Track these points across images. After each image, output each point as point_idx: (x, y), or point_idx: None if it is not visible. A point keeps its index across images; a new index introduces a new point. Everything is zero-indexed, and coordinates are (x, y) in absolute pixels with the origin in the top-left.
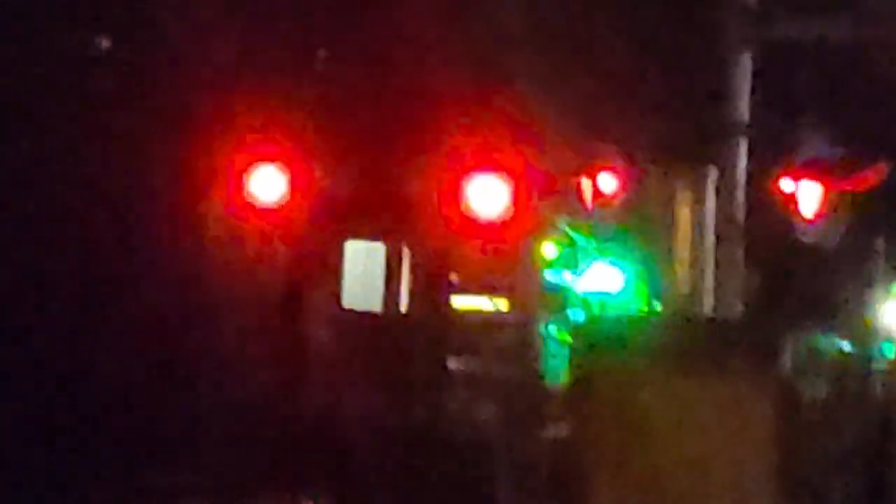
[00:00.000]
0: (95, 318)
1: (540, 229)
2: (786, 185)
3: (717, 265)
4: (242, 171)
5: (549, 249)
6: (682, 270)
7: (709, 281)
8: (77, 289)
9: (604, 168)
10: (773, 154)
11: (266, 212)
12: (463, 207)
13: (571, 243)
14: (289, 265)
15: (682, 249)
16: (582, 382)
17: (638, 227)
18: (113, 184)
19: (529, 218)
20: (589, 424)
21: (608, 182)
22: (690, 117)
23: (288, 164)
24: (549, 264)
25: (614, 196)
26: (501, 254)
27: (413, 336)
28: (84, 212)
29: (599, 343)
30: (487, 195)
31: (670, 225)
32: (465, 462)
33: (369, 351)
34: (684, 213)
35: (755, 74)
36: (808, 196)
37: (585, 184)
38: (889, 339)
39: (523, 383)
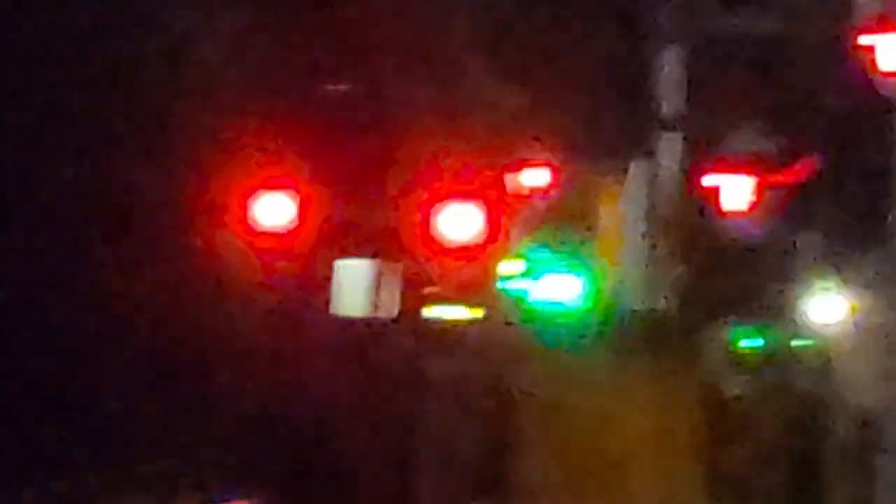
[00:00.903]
0: (111, 321)
1: (506, 247)
2: (715, 178)
3: (642, 259)
4: (250, 198)
5: (512, 263)
6: (607, 264)
7: (634, 275)
8: (91, 299)
9: (533, 163)
10: (702, 148)
11: (274, 236)
12: (439, 232)
13: (530, 256)
14: (290, 279)
15: (608, 243)
16: (509, 378)
17: (565, 222)
18: (137, 205)
19: (499, 240)
20: (514, 419)
21: (538, 177)
22: (617, 111)
23: (296, 191)
24: (513, 276)
25: (545, 191)
26: (473, 269)
27: (395, 339)
28: (102, 230)
29: (525, 339)
30: (462, 221)
31: (596, 219)
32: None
33: (357, 351)
34: (610, 208)
35: (684, 68)
36: (739, 190)
37: (510, 178)
38: (813, 334)
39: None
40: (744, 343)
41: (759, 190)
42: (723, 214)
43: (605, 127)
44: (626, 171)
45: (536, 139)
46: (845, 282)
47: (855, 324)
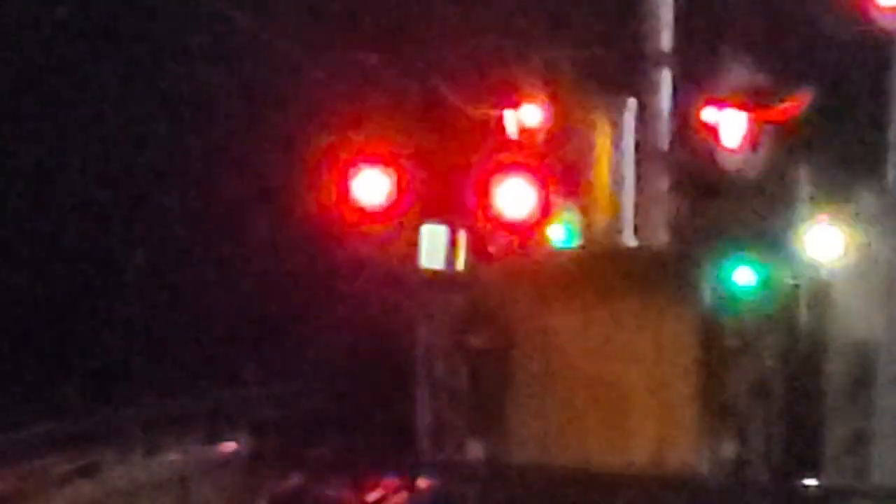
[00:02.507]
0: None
1: (553, 218)
2: (710, 114)
3: (639, 195)
4: (349, 174)
5: (556, 228)
6: (603, 201)
7: (629, 211)
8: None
9: (527, 100)
10: (696, 83)
11: (372, 212)
12: (495, 208)
13: (568, 218)
14: (385, 241)
15: (603, 180)
16: (510, 315)
17: (560, 158)
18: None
19: (549, 215)
20: (516, 354)
21: (533, 114)
22: (611, 48)
23: (392, 167)
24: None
25: (539, 129)
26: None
27: (465, 285)
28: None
29: (525, 276)
30: (517, 197)
31: (591, 155)
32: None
33: (437, 293)
34: (604, 144)
35: (677, 4)
36: (733, 125)
37: (509, 115)
38: (811, 268)
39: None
40: (741, 277)
41: (754, 124)
42: (719, 149)
43: (599, 64)
44: (620, 107)
45: (531, 77)
46: (843, 215)
47: (853, 258)
